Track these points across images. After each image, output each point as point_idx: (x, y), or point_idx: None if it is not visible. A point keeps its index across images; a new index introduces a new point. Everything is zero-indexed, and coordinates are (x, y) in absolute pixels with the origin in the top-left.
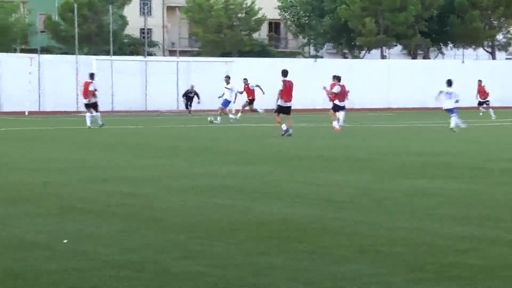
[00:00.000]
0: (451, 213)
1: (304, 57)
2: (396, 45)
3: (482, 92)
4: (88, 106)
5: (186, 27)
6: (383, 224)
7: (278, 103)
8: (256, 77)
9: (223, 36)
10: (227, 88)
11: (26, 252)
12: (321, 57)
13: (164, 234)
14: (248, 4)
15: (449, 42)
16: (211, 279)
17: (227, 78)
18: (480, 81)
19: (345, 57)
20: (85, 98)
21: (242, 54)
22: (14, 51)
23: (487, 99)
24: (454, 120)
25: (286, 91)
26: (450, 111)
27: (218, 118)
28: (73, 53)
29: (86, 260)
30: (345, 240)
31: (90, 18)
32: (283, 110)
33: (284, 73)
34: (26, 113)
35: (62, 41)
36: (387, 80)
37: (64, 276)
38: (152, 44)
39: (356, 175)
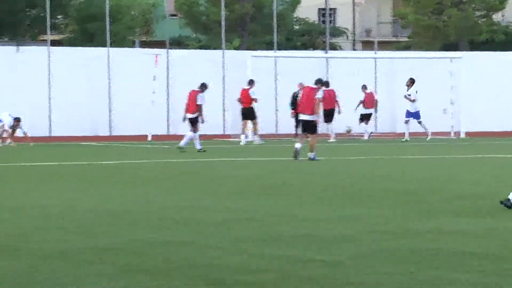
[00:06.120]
0: None
1: None
2: None
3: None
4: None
5: (388, 6)
6: None
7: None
8: (498, 82)
9: (446, 19)
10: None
11: None
12: None
13: None
14: None
15: None
16: None
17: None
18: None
19: None
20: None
21: (475, 46)
22: (131, 45)
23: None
24: None
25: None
26: None
27: None
28: (217, 47)
29: None
30: None
31: None
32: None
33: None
34: (149, 138)
35: (202, 30)
36: None
37: None
38: (337, 32)
39: None
